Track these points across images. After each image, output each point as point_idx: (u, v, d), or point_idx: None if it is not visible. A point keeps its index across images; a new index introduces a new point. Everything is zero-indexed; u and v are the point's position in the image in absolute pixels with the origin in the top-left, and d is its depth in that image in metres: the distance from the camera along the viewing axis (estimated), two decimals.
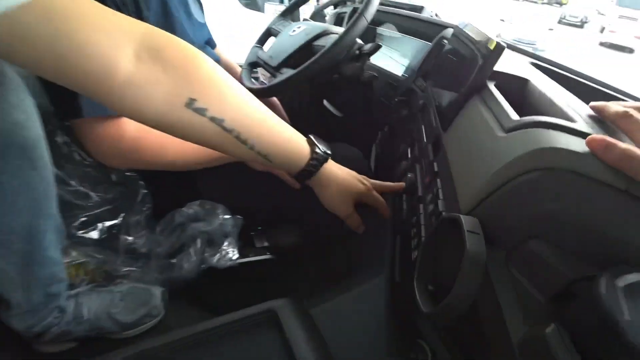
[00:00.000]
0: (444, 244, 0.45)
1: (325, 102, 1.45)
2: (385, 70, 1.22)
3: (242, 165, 0.85)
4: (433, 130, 0.76)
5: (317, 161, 0.63)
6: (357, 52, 1.09)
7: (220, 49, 1.25)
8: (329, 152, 0.66)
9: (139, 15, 0.65)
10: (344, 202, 0.68)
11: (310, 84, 1.44)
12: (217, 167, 0.84)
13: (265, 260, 1.02)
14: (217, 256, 0.84)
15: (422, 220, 0.62)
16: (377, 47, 1.02)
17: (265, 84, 1.32)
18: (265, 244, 1.06)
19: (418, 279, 0.48)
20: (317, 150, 0.63)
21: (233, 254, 0.85)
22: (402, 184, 0.75)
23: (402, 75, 1.14)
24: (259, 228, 1.09)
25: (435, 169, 0.64)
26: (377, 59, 1.23)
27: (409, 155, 0.89)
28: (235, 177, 0.88)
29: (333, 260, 1.12)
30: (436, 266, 0.47)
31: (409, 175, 0.75)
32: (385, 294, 0.72)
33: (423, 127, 0.87)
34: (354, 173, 0.71)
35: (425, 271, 0.48)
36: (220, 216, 0.86)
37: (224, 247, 0.85)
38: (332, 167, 0.67)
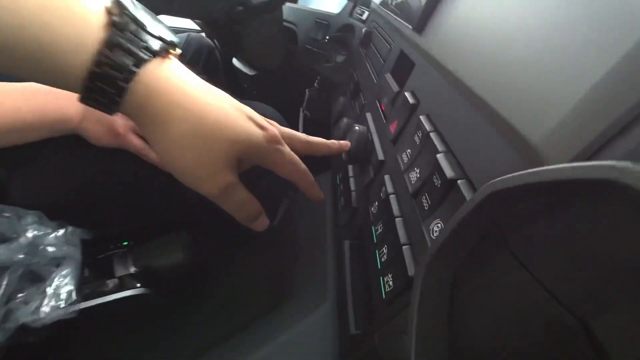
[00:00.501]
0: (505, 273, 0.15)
1: (234, 60, 1.10)
2: (311, 10, 0.91)
3: (75, 140, 0.48)
4: (390, 55, 0.47)
5: (128, 50, 0.24)
6: None
7: None
8: (174, 38, 0.28)
9: None
10: (210, 161, 0.29)
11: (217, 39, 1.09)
12: (34, 146, 0.46)
13: (134, 298, 0.63)
14: (35, 304, 0.46)
15: (396, 206, 0.32)
16: None
17: None
18: (132, 269, 0.66)
19: (419, 348, 0.18)
20: (127, 15, 0.24)
21: (69, 297, 0.48)
22: (346, 142, 0.44)
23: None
24: (123, 245, 0.70)
25: (411, 100, 0.34)
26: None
27: (355, 110, 0.59)
28: (63, 164, 0.51)
29: (240, 289, 0.77)
30: (468, 320, 0.18)
31: (357, 128, 0.44)
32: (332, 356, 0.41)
33: (369, 64, 0.58)
34: (238, 103, 0.33)
35: (436, 330, 0.19)
36: (35, 231, 0.48)
37: (50, 288, 0.48)
38: (183, 79, 0.28)
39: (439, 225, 0.25)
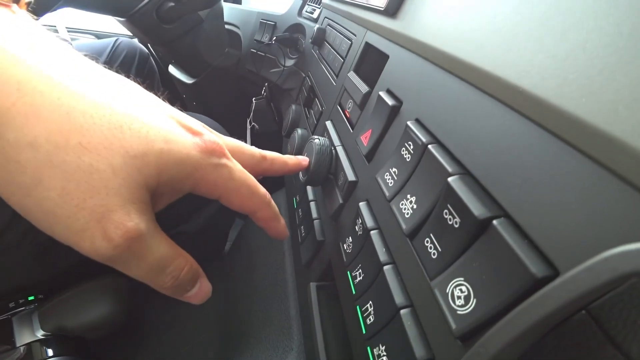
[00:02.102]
0: None
1: (170, 67, 0.98)
2: (256, 10, 0.82)
3: None
4: (352, 51, 0.39)
5: None
6: None
7: None
8: None
9: None
10: (93, 194, 0.17)
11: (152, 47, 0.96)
12: None
13: None
14: None
15: (382, 248, 0.23)
16: None
17: None
18: (41, 333, 0.51)
19: None
20: None
21: None
22: (304, 157, 0.35)
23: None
24: (28, 300, 0.54)
25: (390, 101, 0.26)
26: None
27: (311, 119, 0.50)
28: None
29: (184, 341, 0.63)
30: None
31: (316, 140, 0.35)
32: None
33: (324, 64, 0.49)
34: (154, 99, 0.22)
35: None
36: None
37: None
38: (28, 40, 0.17)
39: (462, 289, 0.16)
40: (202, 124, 0.24)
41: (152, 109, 0.20)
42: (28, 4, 0.19)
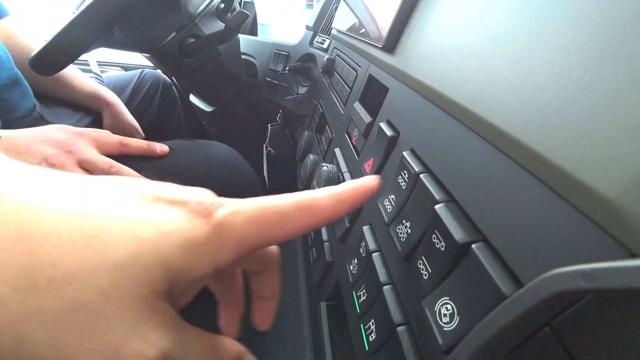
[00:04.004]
0: None
1: (191, 96, 1.03)
2: (270, 41, 0.87)
3: None
4: (357, 82, 0.41)
5: None
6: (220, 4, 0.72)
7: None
8: None
9: None
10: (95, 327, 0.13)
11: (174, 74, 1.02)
12: None
13: None
14: None
15: (382, 269, 0.25)
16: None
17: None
18: None
19: None
20: None
21: None
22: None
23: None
24: None
25: (389, 132, 0.28)
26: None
27: (322, 145, 0.52)
28: None
29: None
30: None
31: (324, 167, 0.37)
32: None
33: (334, 93, 0.52)
34: (133, 185, 0.17)
35: None
36: None
37: None
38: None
39: (448, 307, 0.17)
40: (181, 187, 0.18)
41: (129, 198, 0.16)
42: None
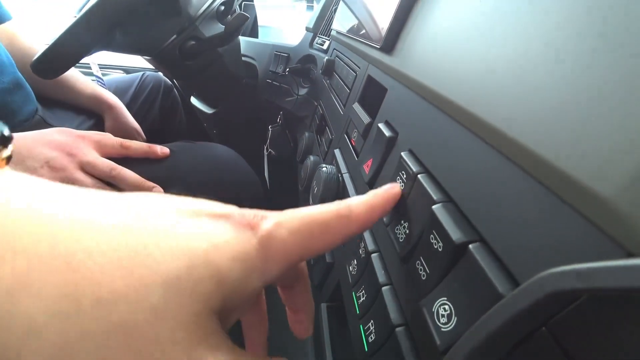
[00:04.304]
0: None
1: (192, 98, 1.04)
2: (270, 43, 0.87)
3: None
4: (357, 82, 0.41)
5: None
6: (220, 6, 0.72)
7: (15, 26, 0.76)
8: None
9: None
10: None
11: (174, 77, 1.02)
12: None
13: None
14: None
15: (381, 270, 0.25)
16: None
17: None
18: None
19: None
20: None
21: None
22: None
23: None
24: None
25: (387, 132, 0.28)
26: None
27: (322, 146, 0.52)
28: None
29: None
30: None
31: (324, 168, 0.37)
32: None
33: (334, 94, 0.52)
34: (172, 202, 0.15)
35: None
36: None
37: None
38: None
39: (445, 308, 0.17)
40: (216, 203, 0.17)
41: (170, 212, 0.15)
42: (7, 159, 0.19)
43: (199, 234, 0.14)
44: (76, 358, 0.11)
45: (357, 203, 0.19)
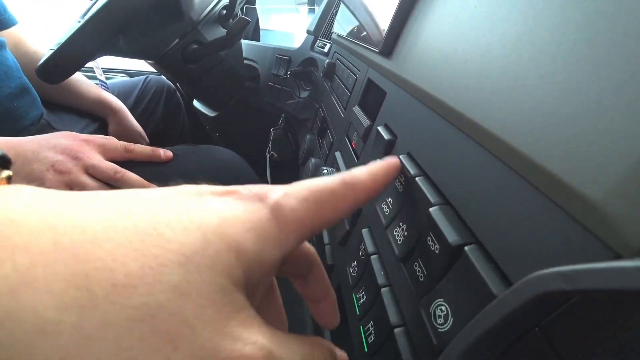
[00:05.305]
0: None
1: (195, 101, 1.04)
2: (272, 46, 0.87)
3: None
4: (357, 85, 0.42)
5: None
6: (222, 11, 0.73)
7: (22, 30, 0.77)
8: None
9: None
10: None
11: (176, 81, 1.03)
12: None
13: None
14: None
15: (381, 271, 0.26)
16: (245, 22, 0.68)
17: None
18: None
19: None
20: None
21: None
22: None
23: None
24: None
25: (386, 135, 0.28)
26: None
27: (323, 149, 0.53)
28: None
29: None
30: None
31: (324, 171, 0.38)
32: None
33: (335, 97, 0.53)
34: (177, 188, 0.15)
35: None
36: None
37: None
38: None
39: (442, 309, 0.18)
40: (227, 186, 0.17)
41: (173, 194, 0.14)
42: (7, 178, 0.19)
43: (208, 209, 0.14)
44: (97, 351, 0.10)
45: (360, 171, 0.19)
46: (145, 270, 0.11)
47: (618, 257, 0.11)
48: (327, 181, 0.18)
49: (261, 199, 0.15)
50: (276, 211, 0.15)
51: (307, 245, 0.21)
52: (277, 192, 0.16)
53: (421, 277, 0.20)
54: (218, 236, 0.13)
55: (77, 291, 0.10)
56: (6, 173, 0.18)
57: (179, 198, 0.14)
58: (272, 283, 0.21)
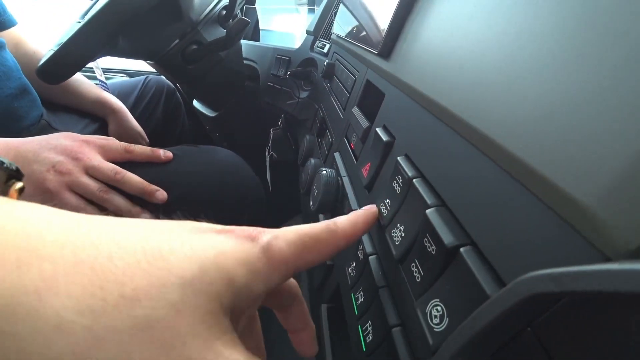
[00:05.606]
0: None
1: (195, 102, 1.05)
2: (271, 46, 0.88)
3: None
4: (356, 87, 0.42)
5: None
6: (222, 11, 0.73)
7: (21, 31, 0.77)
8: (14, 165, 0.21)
9: None
10: None
11: (176, 82, 1.03)
12: None
13: None
14: None
15: (379, 272, 0.26)
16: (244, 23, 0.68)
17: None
18: None
19: None
20: None
21: None
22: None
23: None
24: None
25: (384, 137, 0.29)
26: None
27: (323, 149, 0.53)
28: None
29: None
30: None
31: (324, 172, 0.38)
32: None
33: (334, 98, 0.53)
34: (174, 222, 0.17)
35: None
36: None
37: None
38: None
39: (438, 309, 0.18)
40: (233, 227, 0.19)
41: (177, 229, 0.16)
42: (20, 190, 0.20)
43: (207, 243, 0.16)
44: (104, 350, 0.12)
45: (342, 220, 0.22)
46: (149, 287, 0.13)
47: (608, 259, 0.12)
48: (313, 227, 0.20)
49: (254, 238, 0.18)
50: (266, 251, 0.17)
51: (291, 280, 0.24)
52: (267, 235, 0.18)
53: (418, 278, 0.20)
54: (214, 267, 0.15)
55: (92, 298, 0.12)
56: (19, 185, 0.18)
57: (183, 232, 0.16)
58: (254, 315, 0.24)
